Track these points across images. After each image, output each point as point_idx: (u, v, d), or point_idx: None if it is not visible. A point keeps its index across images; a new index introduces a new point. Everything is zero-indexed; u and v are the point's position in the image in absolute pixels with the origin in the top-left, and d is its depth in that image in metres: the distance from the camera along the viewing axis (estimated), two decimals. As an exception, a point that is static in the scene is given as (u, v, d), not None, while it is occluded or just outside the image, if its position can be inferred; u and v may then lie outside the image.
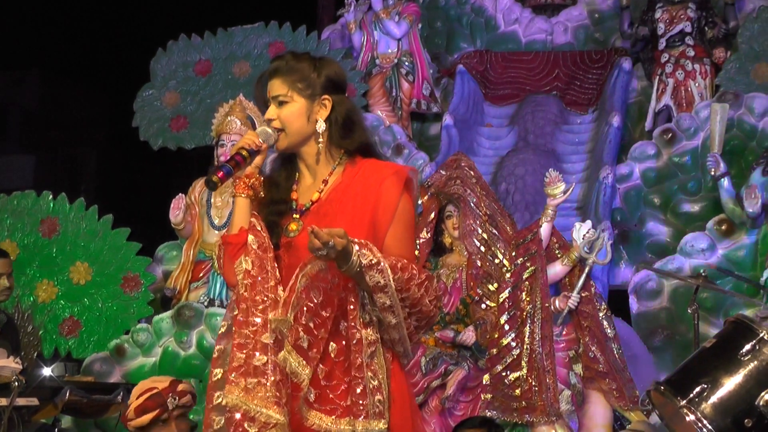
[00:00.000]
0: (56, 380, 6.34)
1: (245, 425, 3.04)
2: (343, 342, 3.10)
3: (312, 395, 3.08)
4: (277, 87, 3.22)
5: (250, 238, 3.15)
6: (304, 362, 3.05)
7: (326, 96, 3.23)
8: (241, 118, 7.59)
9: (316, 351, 3.06)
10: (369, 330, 3.09)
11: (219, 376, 3.14)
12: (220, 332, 3.22)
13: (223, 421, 3.10)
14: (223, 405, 3.07)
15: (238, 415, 3.06)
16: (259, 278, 3.12)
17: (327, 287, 3.08)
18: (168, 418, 4.46)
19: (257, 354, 3.06)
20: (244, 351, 3.07)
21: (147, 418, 4.43)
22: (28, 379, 5.78)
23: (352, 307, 3.07)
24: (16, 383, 5.10)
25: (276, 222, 3.21)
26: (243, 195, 3.20)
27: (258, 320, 3.09)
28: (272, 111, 3.22)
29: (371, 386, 3.07)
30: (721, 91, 8.74)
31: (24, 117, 16.74)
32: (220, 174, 3.08)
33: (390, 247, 3.13)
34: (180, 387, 4.51)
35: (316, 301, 3.07)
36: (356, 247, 2.97)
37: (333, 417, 3.07)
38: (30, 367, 6.89)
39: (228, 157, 3.14)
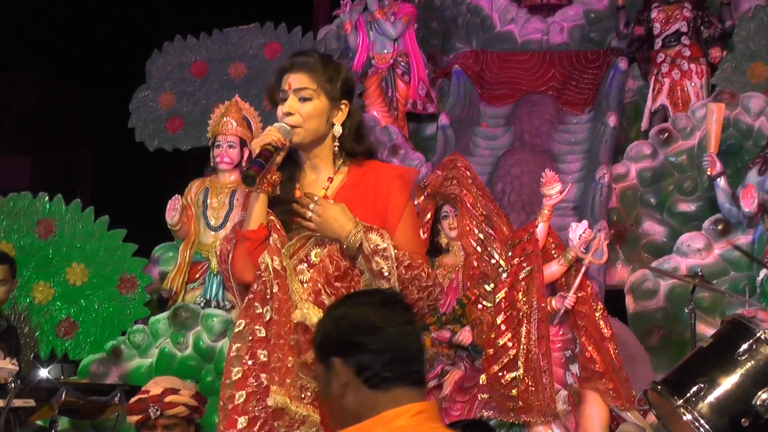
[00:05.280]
0: (53, 381, 6.33)
1: (275, 424, 3.06)
2: None
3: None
4: (304, 81, 3.23)
5: (274, 236, 3.18)
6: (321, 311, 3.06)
7: (345, 101, 3.28)
8: (237, 119, 7.57)
9: None
10: None
11: (239, 375, 3.14)
12: (236, 330, 3.22)
13: (246, 420, 3.10)
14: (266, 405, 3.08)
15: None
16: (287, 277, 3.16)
17: (339, 256, 3.14)
18: (153, 425, 4.50)
19: (289, 356, 3.08)
20: (282, 351, 3.09)
21: (132, 419, 4.52)
22: (25, 380, 5.77)
23: (359, 278, 3.15)
24: (13, 384, 5.10)
25: (285, 221, 3.23)
26: (261, 191, 3.21)
27: (287, 320, 3.12)
28: (294, 104, 3.23)
29: None
30: (717, 91, 8.74)
31: (20, 118, 16.72)
32: (256, 168, 3.11)
33: (400, 245, 3.17)
34: (169, 398, 4.54)
35: (330, 271, 3.12)
36: (357, 229, 3.08)
37: None
38: (26, 369, 6.88)
39: (255, 154, 3.16)
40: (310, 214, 3.12)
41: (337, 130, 3.26)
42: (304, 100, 3.22)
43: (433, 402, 2.12)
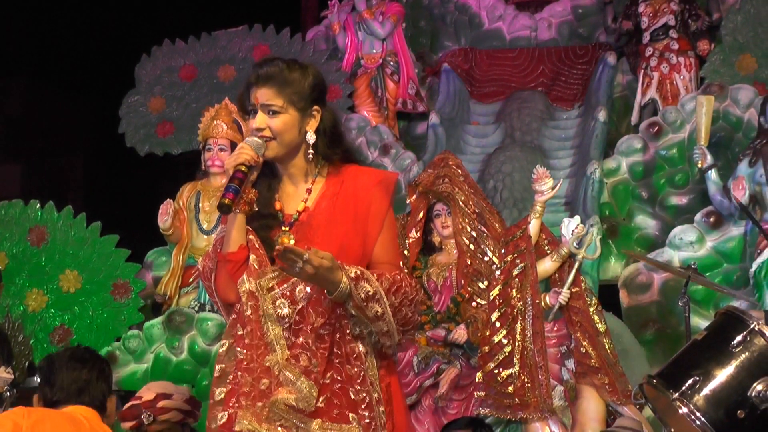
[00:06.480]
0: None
1: None
2: (338, 352, 3.10)
3: (321, 401, 3.05)
4: (270, 96, 3.16)
5: (252, 257, 3.13)
6: (313, 383, 3.03)
7: (316, 107, 3.22)
8: (227, 121, 7.58)
9: (319, 369, 3.05)
10: (359, 343, 3.11)
11: (222, 396, 3.13)
12: (220, 351, 3.20)
13: None
14: (237, 429, 3.05)
15: None
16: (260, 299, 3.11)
17: (325, 308, 3.07)
18: (146, 431, 4.51)
19: (263, 378, 3.06)
20: (253, 375, 3.07)
21: (126, 426, 4.54)
22: (20, 388, 5.76)
23: (345, 321, 3.09)
24: (8, 393, 5.09)
25: (266, 236, 3.18)
26: (239, 211, 3.15)
27: (262, 343, 3.09)
28: (262, 120, 3.16)
29: (375, 399, 3.08)
30: (706, 83, 8.74)
31: (9, 125, 16.67)
32: (230, 195, 3.05)
33: (379, 255, 3.17)
34: (162, 403, 4.54)
35: (318, 325, 3.07)
36: (349, 276, 2.98)
37: (342, 425, 3.05)
38: (22, 377, 6.87)
39: (228, 175, 3.10)
40: (298, 267, 2.91)
41: (310, 138, 3.19)
42: (273, 114, 3.16)
43: (96, 414, 3.75)
